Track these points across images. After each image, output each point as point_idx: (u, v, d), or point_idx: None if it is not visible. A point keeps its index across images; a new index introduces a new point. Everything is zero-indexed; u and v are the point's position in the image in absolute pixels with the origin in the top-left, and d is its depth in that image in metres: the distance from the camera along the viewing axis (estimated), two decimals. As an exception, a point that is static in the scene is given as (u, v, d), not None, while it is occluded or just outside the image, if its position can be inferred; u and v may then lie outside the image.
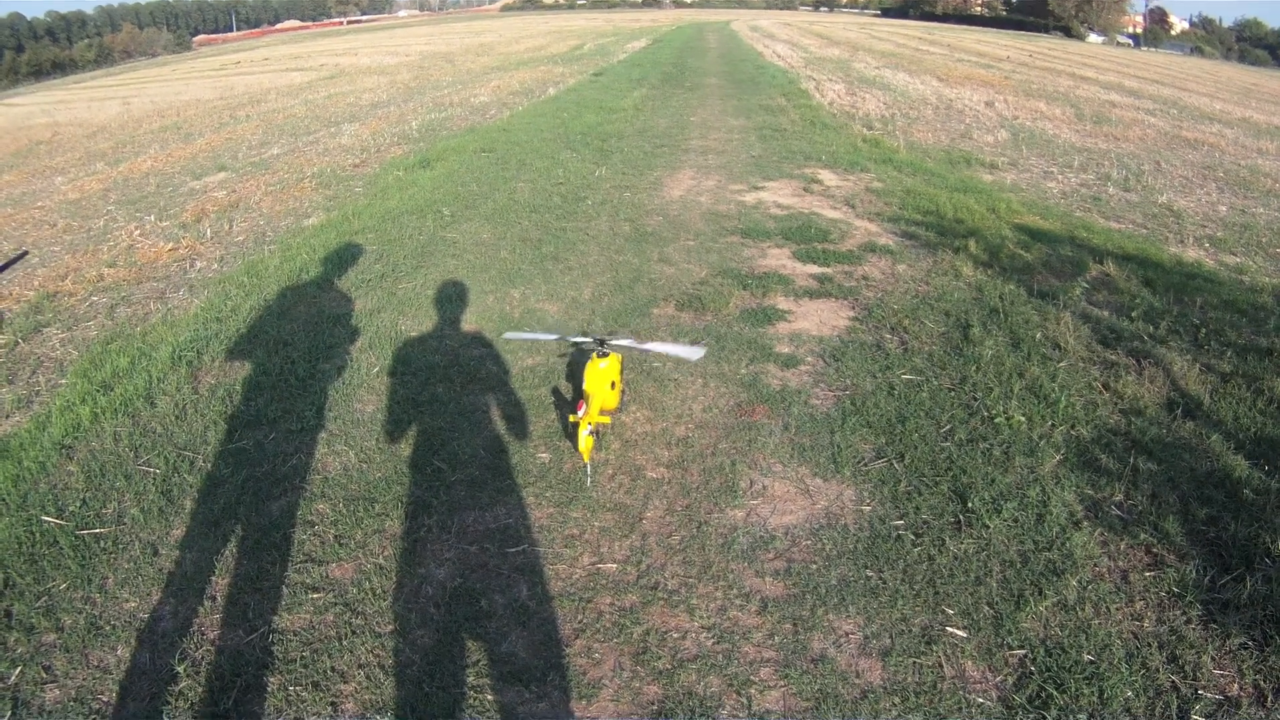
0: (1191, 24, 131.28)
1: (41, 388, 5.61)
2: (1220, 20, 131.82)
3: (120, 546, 3.89)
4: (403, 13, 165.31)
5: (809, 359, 5.78)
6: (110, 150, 16.35)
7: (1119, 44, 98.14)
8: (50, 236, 9.59)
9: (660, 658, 3.22)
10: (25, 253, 3.55)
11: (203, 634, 3.37)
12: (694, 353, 4.83)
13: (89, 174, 13.69)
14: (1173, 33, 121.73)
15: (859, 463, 4.51)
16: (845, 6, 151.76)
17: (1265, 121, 22.04)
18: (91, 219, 10.28)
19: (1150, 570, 3.70)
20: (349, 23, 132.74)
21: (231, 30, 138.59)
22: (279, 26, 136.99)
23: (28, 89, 53.33)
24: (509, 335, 5.58)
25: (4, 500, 4.21)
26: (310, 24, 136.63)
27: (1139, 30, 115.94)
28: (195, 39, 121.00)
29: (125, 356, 5.83)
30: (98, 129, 20.50)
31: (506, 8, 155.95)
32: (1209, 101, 26.82)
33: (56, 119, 24.02)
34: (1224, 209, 10.87)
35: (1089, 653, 3.23)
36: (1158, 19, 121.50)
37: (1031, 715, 3.01)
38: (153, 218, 9.99)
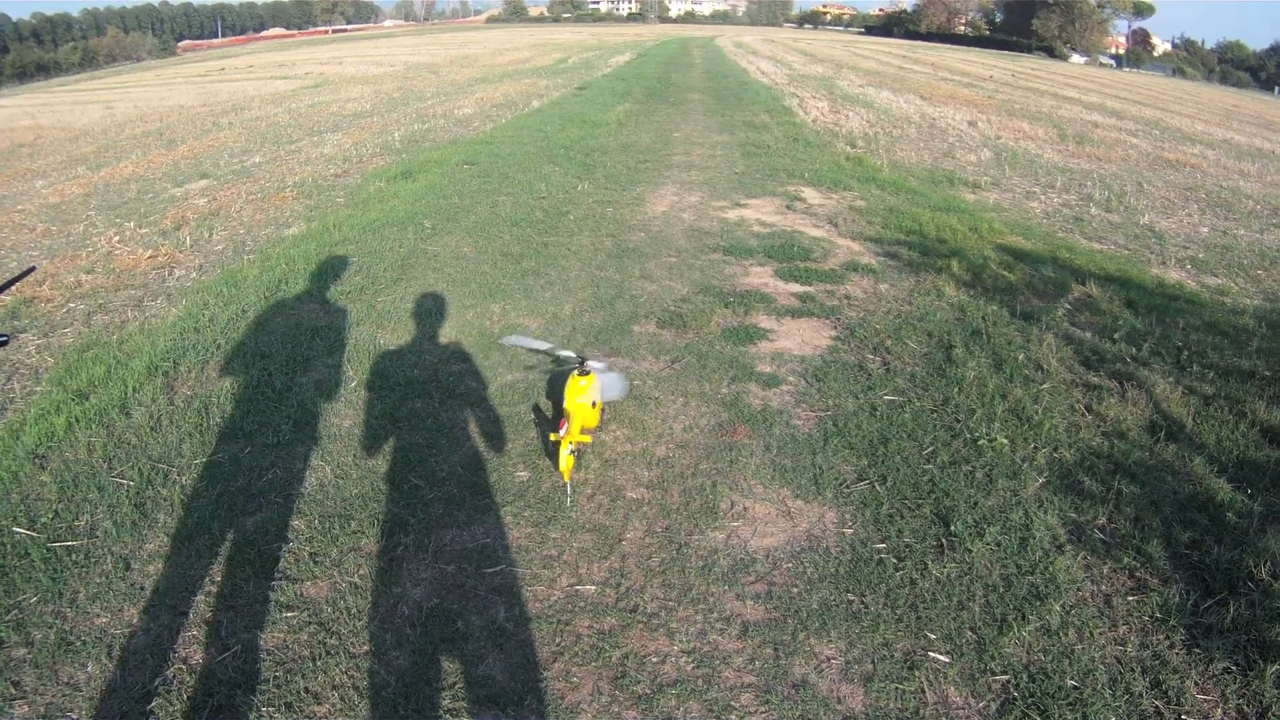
0: (1174, 45, 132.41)
1: (16, 395, 5.54)
2: (1202, 42, 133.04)
3: (92, 560, 3.83)
4: (388, 23, 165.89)
5: (791, 379, 5.76)
6: (92, 155, 16.25)
7: (1102, 65, 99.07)
8: (29, 241, 9.51)
9: (639, 682, 3.18)
10: (33, 268, 3.48)
11: (175, 651, 3.31)
12: (621, 389, 4.84)
13: (70, 178, 13.60)
14: (1155, 54, 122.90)
15: (841, 484, 4.48)
16: (829, 24, 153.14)
17: (1246, 143, 22.25)
18: (71, 224, 10.21)
19: (1133, 594, 3.69)
20: (334, 32, 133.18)
21: (217, 36, 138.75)
22: (264, 34, 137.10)
23: (11, 91, 53.07)
24: (506, 340, 5.54)
25: (-26, 511, 4.14)
26: (296, 32, 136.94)
27: (1122, 51, 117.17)
28: (180, 44, 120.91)
29: (101, 365, 5.76)
30: (80, 133, 20.39)
31: (492, 20, 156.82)
32: (1191, 123, 27.08)
33: (39, 122, 23.88)
34: (1205, 230, 10.94)
35: (1072, 678, 3.21)
36: (1140, 40, 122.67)
37: (1014, 743, 3.00)
38: (132, 224, 9.93)
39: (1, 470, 4.47)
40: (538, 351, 5.40)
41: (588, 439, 4.52)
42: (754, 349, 6.24)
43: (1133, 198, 12.74)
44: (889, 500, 4.32)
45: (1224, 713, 3.10)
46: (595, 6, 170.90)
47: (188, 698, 3.09)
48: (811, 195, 11.56)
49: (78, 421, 4.99)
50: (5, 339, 2.49)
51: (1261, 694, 3.14)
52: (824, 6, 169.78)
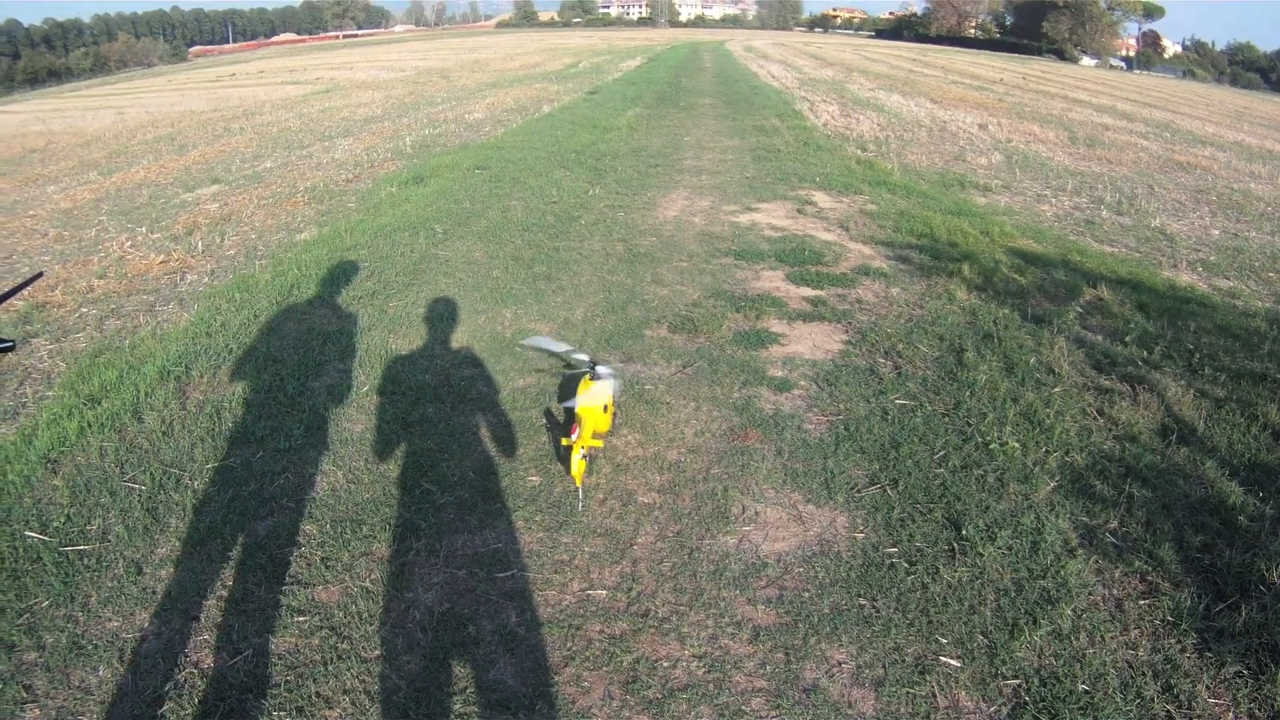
0: (1184, 47, 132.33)
1: (28, 400, 5.56)
2: (1213, 44, 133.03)
3: (104, 564, 3.84)
4: (399, 28, 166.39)
5: (802, 383, 5.75)
6: (103, 160, 16.31)
7: (1112, 67, 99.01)
8: (41, 246, 9.54)
9: (650, 687, 3.18)
10: (42, 273, 3.47)
11: (186, 656, 3.32)
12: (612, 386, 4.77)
13: (82, 183, 13.65)
14: (1165, 56, 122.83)
15: (852, 489, 4.48)
16: (839, 28, 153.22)
17: (1258, 145, 22.20)
18: (83, 229, 10.24)
19: (1145, 598, 3.68)
20: (345, 37, 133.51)
21: (228, 42, 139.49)
22: (275, 39, 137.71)
23: (23, 96, 53.27)
24: (526, 341, 5.49)
25: (-13, 516, 4.16)
26: (306, 37, 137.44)
27: (1132, 53, 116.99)
28: (191, 50, 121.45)
29: (113, 370, 5.78)
30: (92, 138, 20.47)
31: (502, 25, 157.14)
32: (1201, 125, 27.02)
33: (51, 127, 23.96)
34: (1217, 233, 10.91)
35: (1084, 682, 3.20)
36: (1150, 42, 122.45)
37: (1026, 748, 2.99)
38: (144, 229, 9.96)
39: (14, 475, 4.48)
40: (554, 353, 5.36)
41: (599, 443, 4.52)
42: (765, 353, 6.23)
43: (1144, 200, 12.72)
44: (900, 504, 4.32)
45: (1235, 717, 3.10)
46: (605, 11, 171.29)
47: (199, 702, 3.10)
48: (822, 199, 11.56)
49: (90, 426, 5.00)
50: (11, 345, 2.49)
51: (1273, 698, 3.13)
52: (834, 10, 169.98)
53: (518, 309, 6.96)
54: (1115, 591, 3.73)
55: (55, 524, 4.09)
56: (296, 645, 3.38)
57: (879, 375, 5.84)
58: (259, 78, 42.20)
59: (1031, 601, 3.62)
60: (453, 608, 3.59)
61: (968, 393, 5.49)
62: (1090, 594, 3.70)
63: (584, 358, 4.69)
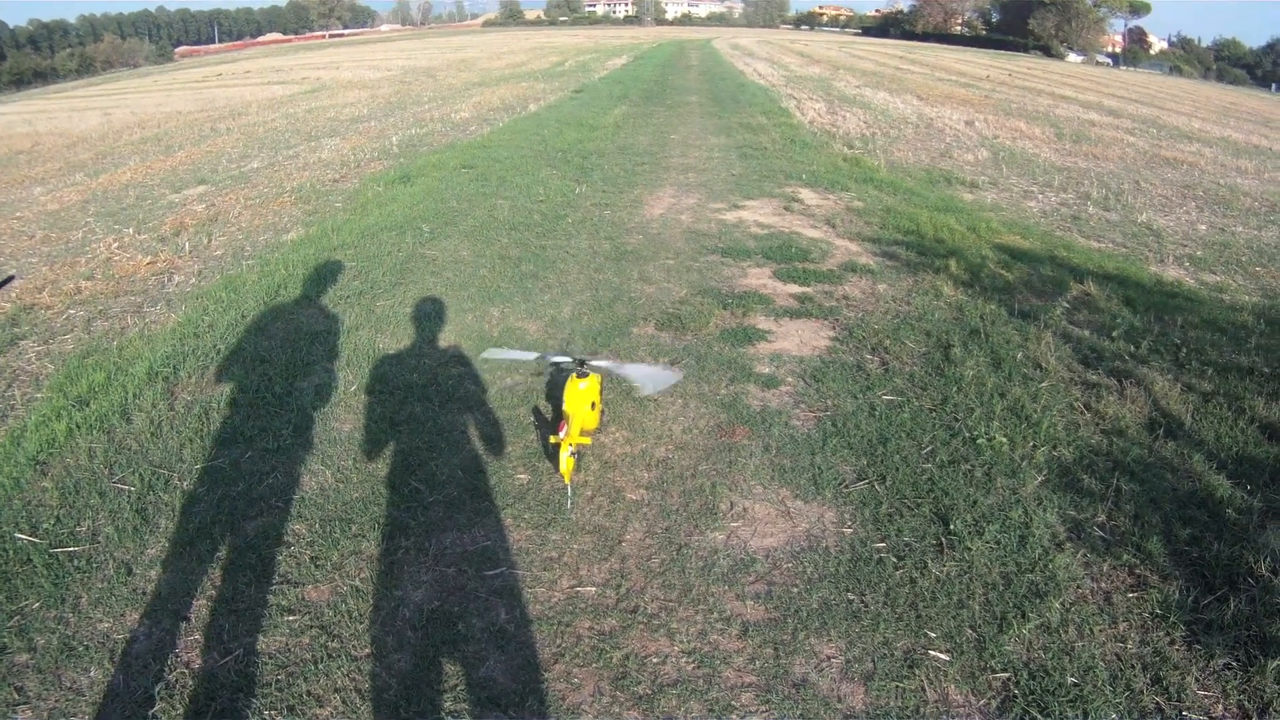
0: (1170, 44, 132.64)
1: (17, 402, 5.54)
2: (1199, 40, 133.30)
3: (94, 565, 3.83)
4: (385, 27, 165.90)
5: (789, 379, 5.76)
6: (90, 161, 16.25)
7: (1098, 63, 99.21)
8: (28, 248, 9.50)
9: (640, 682, 3.19)
10: (13, 276, 3.48)
11: (177, 656, 3.31)
12: (671, 376, 4.83)
13: (68, 185, 13.59)
14: (1152, 52, 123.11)
15: (840, 484, 4.49)
16: (826, 25, 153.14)
17: (1244, 140, 22.26)
18: (70, 231, 10.21)
19: (1133, 591, 3.70)
20: (331, 36, 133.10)
21: (214, 42, 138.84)
22: (261, 39, 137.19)
23: (8, 97, 52.93)
24: (488, 354, 5.36)
25: (-24, 518, 4.15)
26: (292, 37, 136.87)
27: (1118, 50, 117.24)
28: (177, 50, 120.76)
29: (101, 371, 5.76)
30: (78, 139, 20.37)
31: (488, 24, 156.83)
32: (1188, 120, 27.09)
33: (36, 128, 23.84)
34: (1203, 228, 10.95)
35: (1073, 675, 3.22)
36: (1137, 39, 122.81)
37: (1015, 741, 3.00)
38: (131, 230, 9.92)
39: (3, 477, 4.47)
40: (525, 361, 5.33)
41: (587, 441, 4.52)
42: (752, 350, 6.24)
43: (1130, 196, 12.76)
44: (888, 499, 4.33)
45: (1225, 708, 3.11)
46: (592, 9, 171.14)
47: (190, 701, 3.09)
48: (809, 196, 11.56)
49: (79, 428, 4.99)
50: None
51: (1262, 689, 3.15)
52: (820, 8, 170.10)
53: (505, 307, 6.95)
54: (1103, 585, 3.74)
55: (45, 525, 4.08)
56: (286, 644, 3.38)
57: (866, 371, 5.85)
58: (245, 78, 42.06)
59: (1020, 595, 3.63)
60: (442, 605, 3.59)
61: (955, 388, 5.51)
62: (1079, 587, 3.71)
63: (564, 359, 4.68)
